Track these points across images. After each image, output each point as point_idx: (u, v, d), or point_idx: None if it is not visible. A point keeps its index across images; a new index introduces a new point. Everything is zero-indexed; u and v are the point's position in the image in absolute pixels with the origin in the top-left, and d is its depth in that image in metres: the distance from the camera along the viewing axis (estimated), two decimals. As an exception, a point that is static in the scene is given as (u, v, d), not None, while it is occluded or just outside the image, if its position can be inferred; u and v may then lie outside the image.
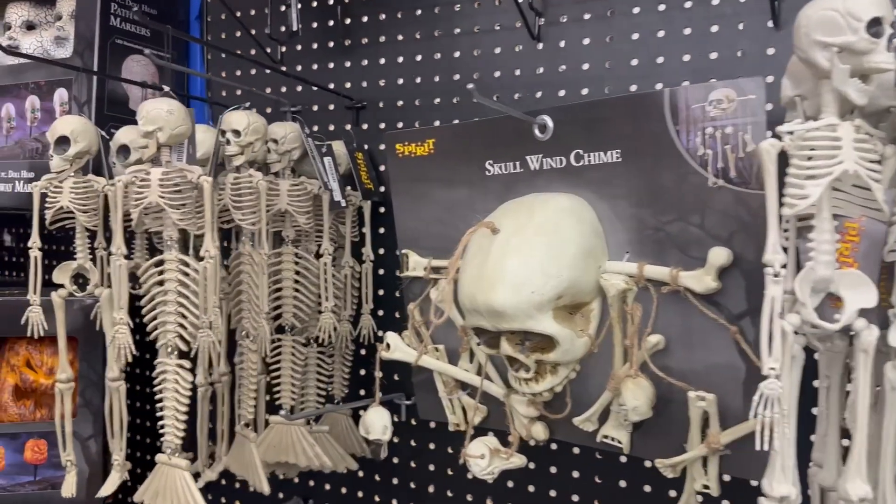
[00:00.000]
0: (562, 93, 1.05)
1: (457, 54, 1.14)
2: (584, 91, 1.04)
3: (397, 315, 1.21)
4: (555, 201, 0.92)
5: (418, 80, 1.17)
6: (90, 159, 1.08)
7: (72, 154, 1.04)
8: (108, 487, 1.10)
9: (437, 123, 1.16)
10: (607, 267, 0.90)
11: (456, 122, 1.14)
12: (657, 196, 0.86)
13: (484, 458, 0.99)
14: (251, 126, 0.96)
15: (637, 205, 0.88)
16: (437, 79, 1.16)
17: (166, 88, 0.89)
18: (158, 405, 0.91)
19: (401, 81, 1.19)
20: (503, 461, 1.00)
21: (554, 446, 1.09)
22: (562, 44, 1.05)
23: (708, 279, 0.82)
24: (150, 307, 0.91)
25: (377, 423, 1.08)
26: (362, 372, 1.25)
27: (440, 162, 1.07)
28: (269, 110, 1.31)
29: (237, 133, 0.96)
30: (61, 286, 1.10)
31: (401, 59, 1.19)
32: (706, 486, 0.86)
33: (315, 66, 1.26)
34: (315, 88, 1.24)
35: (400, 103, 1.19)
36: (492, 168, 1.02)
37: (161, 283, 0.90)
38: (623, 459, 1.04)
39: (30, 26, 1.37)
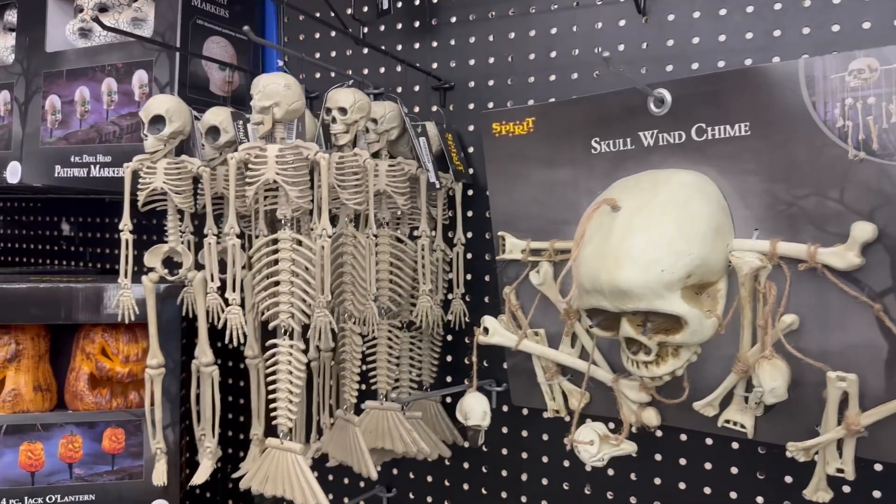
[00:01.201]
0: (669, 68, 1.03)
1: (553, 31, 1.11)
2: (695, 66, 1.01)
3: (486, 300, 1.19)
4: (678, 177, 0.89)
5: (511, 58, 1.15)
6: (183, 140, 1.06)
7: (167, 134, 1.02)
8: (201, 475, 1.09)
9: (530, 102, 1.13)
10: (736, 245, 0.87)
11: (552, 100, 1.11)
12: (791, 170, 0.84)
13: (593, 445, 0.97)
14: (357, 104, 0.94)
15: (768, 180, 0.86)
16: (531, 57, 1.13)
17: (281, 63, 0.87)
18: (270, 387, 0.89)
19: (492, 60, 1.16)
20: (613, 447, 0.97)
21: (659, 433, 1.07)
22: (670, 17, 1.02)
23: (851, 255, 0.79)
24: (261, 287, 0.89)
25: (477, 408, 1.05)
26: (448, 358, 1.23)
27: (540, 141, 1.04)
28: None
29: (343, 111, 0.94)
30: (151, 270, 1.08)
31: (492, 38, 1.16)
32: (840, 470, 0.84)
33: (399, 47, 1.24)
34: (399, 70, 1.21)
35: (491, 83, 1.17)
36: (598, 146, 1.00)
37: (275, 262, 0.88)
38: (735, 446, 1.02)
39: (102, 8, 1.36)
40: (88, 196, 1.46)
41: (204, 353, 1.08)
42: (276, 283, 0.88)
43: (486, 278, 1.19)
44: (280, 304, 0.87)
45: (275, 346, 0.89)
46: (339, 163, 0.94)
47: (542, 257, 1.05)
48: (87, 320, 1.29)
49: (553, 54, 1.11)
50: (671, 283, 0.83)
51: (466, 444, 1.18)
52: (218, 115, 1.11)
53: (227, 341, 0.88)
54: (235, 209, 0.89)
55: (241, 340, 0.89)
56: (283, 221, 0.88)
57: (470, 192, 1.19)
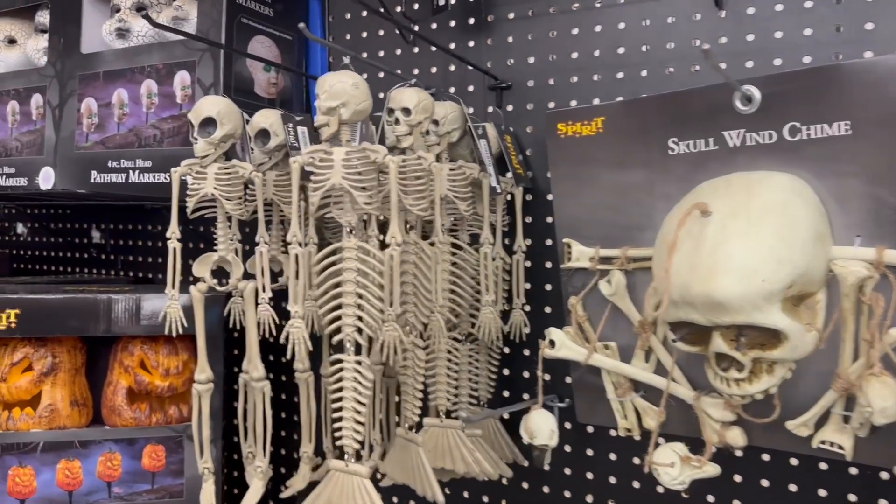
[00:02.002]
0: (749, 64, 0.97)
1: (621, 25, 1.06)
2: (777, 62, 0.96)
3: (548, 310, 1.13)
4: (773, 180, 0.83)
5: (574, 55, 1.10)
6: (234, 143, 1.01)
7: (218, 137, 0.97)
8: (252, 498, 1.04)
9: (596, 101, 1.08)
10: (836, 253, 0.81)
11: (620, 99, 1.06)
12: (898, 172, 0.78)
13: (674, 467, 0.92)
14: (421, 104, 0.89)
15: (871, 182, 0.80)
16: (596, 53, 1.08)
17: (346, 59, 0.82)
18: (335, 405, 0.84)
19: (553, 58, 1.11)
20: (694, 470, 0.92)
21: (738, 452, 1.01)
22: (750, 10, 0.97)
23: (970, 264, 0.73)
24: (325, 299, 0.84)
25: (543, 427, 1.00)
26: (506, 371, 1.18)
27: (610, 142, 0.99)
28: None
29: (407, 111, 0.89)
30: (199, 280, 1.04)
31: (553, 34, 1.11)
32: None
33: (452, 45, 1.19)
34: (452, 69, 1.16)
35: (552, 81, 1.11)
36: (676, 146, 0.94)
37: (339, 272, 0.83)
38: (823, 467, 0.96)
39: (140, 7, 1.32)
40: (119, 202, 1.42)
41: (255, 367, 1.03)
42: (341, 295, 0.83)
43: (547, 287, 1.13)
44: (345, 318, 0.82)
45: (339, 361, 0.84)
46: (401, 167, 0.89)
47: (613, 266, 0.99)
48: (126, 332, 1.25)
49: (621, 50, 1.06)
50: (772, 294, 0.77)
51: (526, 464, 1.12)
52: (268, 118, 1.07)
53: (288, 356, 0.83)
54: (298, 216, 0.83)
55: (305, 356, 0.83)
56: (348, 229, 0.83)
57: (529, 197, 1.14)
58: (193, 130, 0.98)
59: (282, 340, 0.83)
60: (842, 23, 0.92)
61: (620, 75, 1.06)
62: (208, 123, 0.98)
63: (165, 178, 1.22)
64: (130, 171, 1.26)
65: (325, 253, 0.84)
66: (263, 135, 1.07)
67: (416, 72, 1.23)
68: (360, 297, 0.82)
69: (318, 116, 0.81)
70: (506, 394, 1.17)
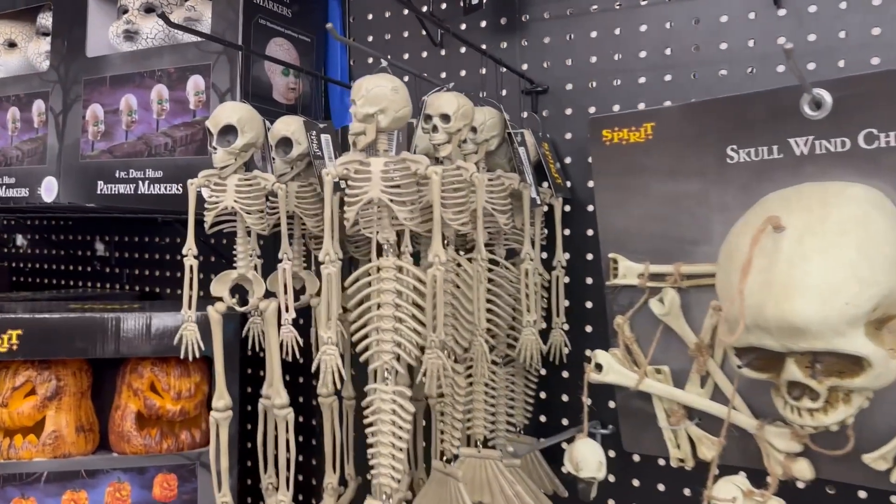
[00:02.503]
0: (811, 66, 0.91)
1: (668, 25, 1.00)
2: (841, 63, 0.90)
3: (588, 329, 1.07)
4: (850, 191, 0.77)
5: (617, 57, 1.04)
6: (255, 153, 0.95)
7: (239, 146, 0.91)
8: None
9: (641, 106, 1.02)
10: (922, 271, 0.75)
11: (668, 103, 1.00)
12: None
13: (736, 502, 0.85)
14: (461, 110, 0.82)
15: (960, 195, 0.74)
16: (642, 55, 1.02)
17: (384, 63, 0.76)
18: (370, 440, 0.78)
19: (594, 60, 1.05)
20: (758, 505, 0.85)
21: (801, 484, 0.94)
22: (812, 8, 0.91)
23: None
24: (359, 323, 0.77)
25: (590, 458, 0.94)
26: (542, 395, 1.11)
27: (661, 149, 0.93)
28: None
29: (446, 118, 0.82)
30: (218, 299, 0.97)
31: (594, 34, 1.05)
32: None
33: (483, 47, 1.13)
34: (483, 72, 1.10)
35: (593, 84, 1.05)
36: (736, 154, 0.88)
37: (376, 293, 0.76)
38: (894, 500, 0.89)
39: (149, 9, 1.26)
40: (128, 215, 1.35)
41: (277, 393, 0.97)
42: (378, 319, 0.76)
43: (588, 305, 1.07)
44: (382, 344, 0.76)
45: (374, 391, 0.77)
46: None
47: (666, 283, 0.93)
48: (136, 353, 1.18)
49: (668, 52, 1.00)
50: (855, 317, 0.71)
51: (567, 494, 1.05)
52: (289, 125, 1.01)
53: (320, 388, 0.76)
54: (331, 233, 0.77)
55: (339, 386, 0.77)
56: (385, 247, 0.76)
57: (567, 208, 1.08)
58: (212, 139, 0.92)
59: (312, 369, 0.77)
60: (915, 21, 0.86)
61: (668, 78, 1.00)
62: (228, 131, 0.92)
63: (178, 190, 1.16)
64: (140, 182, 1.20)
65: (360, 273, 0.77)
66: (285, 143, 1.01)
67: (443, 75, 1.16)
68: (400, 320, 0.75)
69: (352, 124, 0.74)
70: (542, 419, 1.11)
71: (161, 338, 1.18)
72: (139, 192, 1.20)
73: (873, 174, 0.78)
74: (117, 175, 1.22)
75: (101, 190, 1.24)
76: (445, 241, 0.87)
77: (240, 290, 0.98)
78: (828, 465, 0.85)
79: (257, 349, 1.09)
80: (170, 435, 1.22)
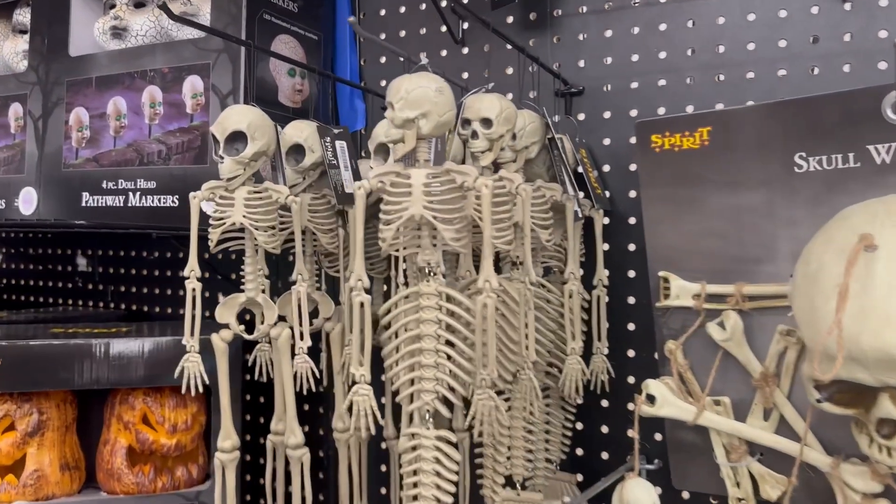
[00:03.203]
0: (882, 65, 0.83)
1: (721, 20, 0.92)
2: (918, 62, 0.82)
3: (630, 354, 0.98)
4: (950, 206, 0.69)
5: (662, 55, 0.95)
6: (266, 163, 0.86)
7: (248, 155, 0.82)
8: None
9: (689, 109, 0.94)
10: None
11: (720, 106, 0.92)
12: None
13: (813, 550, 0.77)
14: (503, 113, 0.74)
15: None
16: (689, 53, 0.94)
17: (424, 60, 0.67)
18: (410, 492, 0.68)
19: (635, 58, 0.97)
20: (834, 552, 0.77)
21: (875, 526, 0.86)
22: (882, 2, 0.83)
23: None
24: (395, 358, 0.68)
25: (644, 500, 0.85)
26: (579, 426, 1.02)
27: (719, 157, 0.85)
28: (443, 100, 1.08)
29: (487, 123, 0.73)
30: (224, 326, 0.88)
31: (636, 30, 0.97)
32: None
33: (508, 46, 1.04)
34: (510, 72, 1.02)
35: (634, 85, 0.97)
36: (805, 163, 0.80)
37: (415, 324, 0.67)
38: None
39: (138, 3, 1.16)
40: (118, 231, 1.25)
41: (292, 431, 0.87)
42: (418, 353, 0.67)
43: (630, 327, 0.98)
44: (423, 382, 0.67)
45: (414, 435, 0.68)
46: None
47: (726, 305, 0.85)
48: (129, 383, 1.08)
49: (720, 49, 0.92)
50: (967, 350, 0.63)
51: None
52: (302, 131, 0.92)
53: (352, 430, 0.67)
54: (362, 255, 0.67)
55: (373, 431, 0.67)
56: (426, 270, 0.67)
57: (605, 221, 0.99)
58: (218, 147, 0.82)
59: (343, 408, 0.67)
60: None
61: (721, 78, 0.92)
62: (236, 138, 0.82)
63: (174, 202, 1.06)
64: (130, 194, 1.10)
65: (396, 300, 0.68)
66: (297, 151, 0.92)
67: (465, 76, 1.08)
68: (447, 356, 0.66)
69: (389, 130, 0.65)
70: (579, 451, 1.02)
71: (155, 365, 1.08)
72: (129, 205, 1.10)
73: (970, 185, 0.71)
74: (104, 186, 1.12)
75: (85, 202, 1.14)
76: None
77: (241, 314, 0.89)
78: (913, 508, 0.77)
79: (264, 379, 0.99)
80: (164, 471, 1.12)
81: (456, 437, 0.85)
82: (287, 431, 0.88)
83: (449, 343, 0.67)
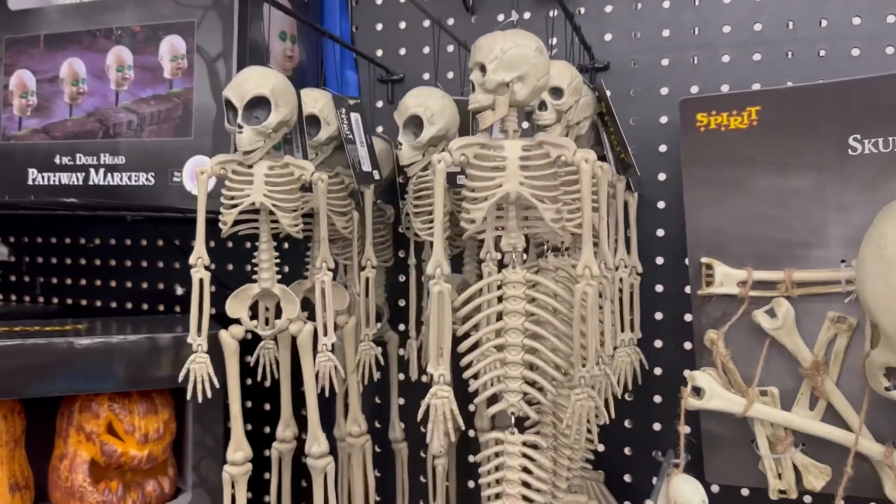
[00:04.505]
0: (934, 47, 0.83)
1: (759, -3, 0.89)
2: (964, 45, 0.82)
3: (658, 345, 0.95)
4: None
5: (696, 30, 0.92)
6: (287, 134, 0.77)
7: (273, 124, 0.72)
8: None
9: (724, 89, 0.91)
10: None
11: (756, 86, 0.90)
12: None
13: (870, 541, 0.76)
14: (574, 82, 0.68)
15: None
16: (726, 29, 0.91)
17: (515, 17, 0.60)
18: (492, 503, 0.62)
19: (666, 33, 0.93)
20: (889, 542, 0.77)
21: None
22: (933, -20, 0.83)
23: None
24: (477, 353, 0.61)
25: (693, 498, 0.82)
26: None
27: (768, 138, 0.83)
28: (450, 75, 1.02)
29: (558, 92, 0.68)
30: (236, 321, 0.78)
31: (667, 4, 0.93)
32: None
33: (527, 15, 0.98)
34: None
35: (665, 62, 0.93)
36: (859, 146, 0.79)
37: (496, 316, 0.60)
38: None
39: (96, -50, 1.02)
40: (83, 213, 1.11)
41: (315, 438, 0.79)
42: (502, 348, 0.61)
43: (658, 316, 0.95)
44: (509, 381, 0.60)
45: (497, 442, 0.62)
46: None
47: (774, 292, 0.83)
48: (94, 388, 0.95)
49: (758, 27, 0.89)
50: None
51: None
52: (317, 101, 0.83)
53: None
54: (442, 238, 0.60)
55: (453, 438, 0.60)
56: (511, 256, 0.61)
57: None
58: (235, 114, 0.72)
59: (419, 417, 0.59)
60: None
61: (757, 57, 0.90)
62: (257, 105, 0.73)
63: (148, 180, 0.94)
64: (92, 170, 0.96)
65: (476, 289, 0.61)
66: (312, 123, 0.83)
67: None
68: (534, 351, 0.60)
69: (476, 95, 0.58)
70: (601, 448, 0.98)
71: (124, 367, 0.96)
72: (90, 183, 0.97)
73: None
74: (58, 161, 0.98)
75: (33, 179, 1.00)
76: (546, 247, 0.72)
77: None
78: (964, 495, 0.77)
79: (268, 380, 0.90)
80: (134, 487, 1.00)
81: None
82: (309, 439, 0.79)
83: (538, 337, 0.60)
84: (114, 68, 0.96)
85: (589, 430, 0.60)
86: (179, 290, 1.21)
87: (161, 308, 1.23)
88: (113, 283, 1.28)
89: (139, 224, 1.11)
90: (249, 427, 1.13)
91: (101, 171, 0.96)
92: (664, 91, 0.93)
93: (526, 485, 0.60)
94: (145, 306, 1.25)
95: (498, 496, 0.61)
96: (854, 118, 0.79)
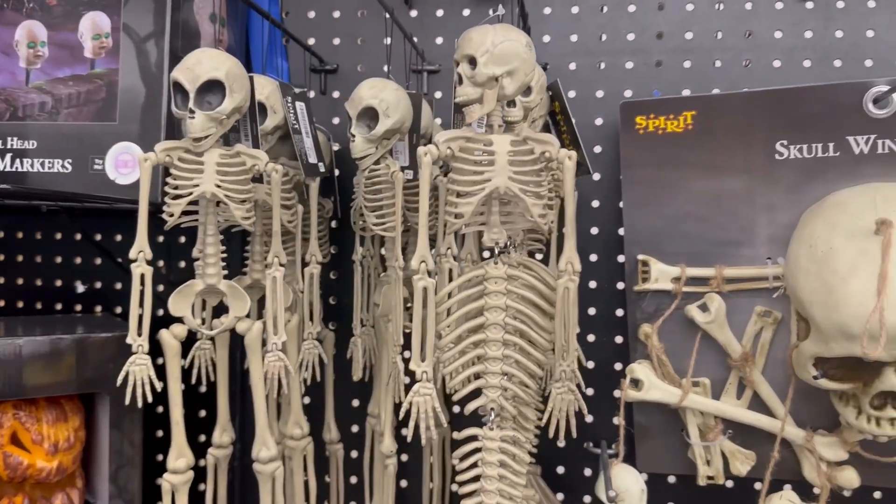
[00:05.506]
0: (837, 63, 0.91)
1: (690, 7, 0.94)
2: (868, 63, 0.90)
3: (591, 339, 0.98)
4: (939, 194, 0.76)
5: (630, 36, 0.95)
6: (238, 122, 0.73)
7: (227, 110, 0.68)
8: None
9: (656, 94, 0.95)
10: None
11: (686, 92, 0.94)
12: None
13: (799, 523, 0.82)
14: (540, 81, 0.69)
15: None
16: (659, 37, 0.95)
17: (501, 10, 0.59)
18: (468, 502, 0.61)
19: (604, 38, 0.96)
20: (812, 520, 0.83)
21: (846, 492, 0.93)
22: (840, 4, 0.90)
23: None
24: (458, 349, 0.60)
25: (633, 486, 0.85)
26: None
27: (702, 141, 0.87)
28: (386, 67, 1.00)
29: (527, 90, 0.68)
30: (178, 320, 0.73)
31: (605, 9, 0.96)
32: None
33: (466, 13, 0.98)
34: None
35: (602, 66, 0.96)
36: (786, 150, 0.85)
37: (476, 311, 0.60)
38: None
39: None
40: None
41: (264, 443, 0.75)
42: (482, 343, 0.60)
43: (591, 312, 0.98)
44: (489, 377, 0.60)
45: (474, 438, 0.61)
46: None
47: (706, 288, 0.87)
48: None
49: (689, 35, 0.94)
50: (969, 324, 0.70)
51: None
52: (263, 88, 0.79)
53: (409, 437, 0.58)
54: (426, 232, 0.59)
55: (434, 435, 0.59)
56: (495, 251, 0.60)
57: (566, 203, 0.97)
58: (186, 99, 0.68)
59: (401, 415, 0.58)
60: (937, 25, 0.89)
61: (687, 64, 0.94)
62: (210, 89, 0.68)
63: (64, 167, 0.86)
64: (-6, 156, 0.87)
65: (459, 283, 0.60)
66: (258, 110, 0.79)
67: (415, 40, 1.00)
68: (515, 346, 0.60)
69: (465, 88, 0.57)
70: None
71: (30, 371, 0.88)
72: (-6, 170, 0.88)
73: (942, 177, 0.79)
74: (-48, 144, 0.88)
75: (-79, 164, 0.89)
76: (511, 242, 0.72)
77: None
78: (875, 472, 0.84)
79: (204, 382, 0.85)
80: (40, 501, 0.91)
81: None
82: (257, 443, 0.75)
83: (518, 332, 0.60)
84: (24, 44, 0.88)
85: (568, 423, 0.61)
86: (80, 288, 1.12)
87: (59, 307, 1.13)
88: (20, 281, 1.16)
89: (54, 215, 1.01)
90: (160, 433, 1.06)
91: (9, 156, 0.87)
92: (600, 94, 0.96)
93: (503, 479, 0.60)
94: (39, 305, 1.15)
95: (475, 494, 0.60)
96: (781, 125, 0.84)
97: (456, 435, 0.63)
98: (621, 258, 0.96)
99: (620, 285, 0.97)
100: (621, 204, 0.91)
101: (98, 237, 1.02)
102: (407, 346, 0.66)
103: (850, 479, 0.84)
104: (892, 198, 0.76)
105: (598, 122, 0.96)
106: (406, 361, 0.68)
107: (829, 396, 0.81)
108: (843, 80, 0.89)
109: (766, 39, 0.92)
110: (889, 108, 0.79)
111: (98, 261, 1.04)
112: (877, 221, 0.72)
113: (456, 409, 0.92)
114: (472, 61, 0.56)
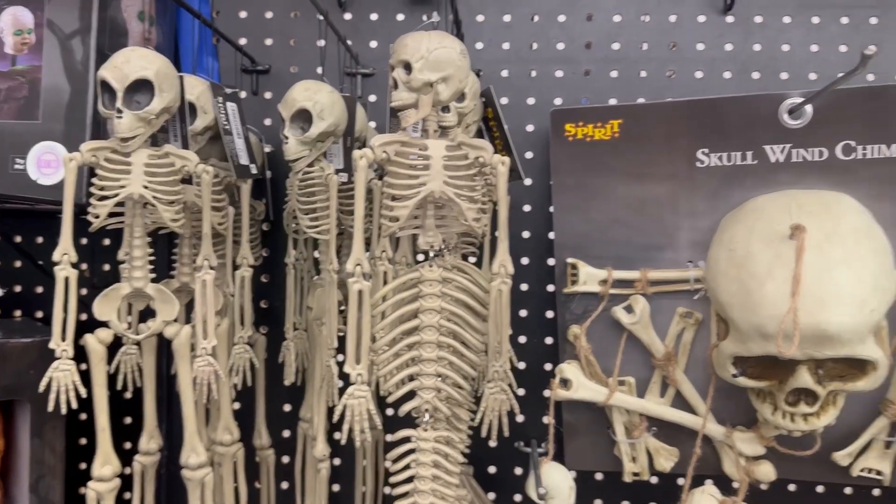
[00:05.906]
0: (755, 75, 0.95)
1: (617, 18, 0.97)
2: (784, 76, 0.95)
3: (522, 340, 1.00)
4: (847, 201, 0.81)
5: (560, 46, 0.98)
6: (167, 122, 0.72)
7: (156, 110, 0.67)
8: None
9: (582, 101, 0.97)
10: (898, 278, 0.81)
11: (613, 101, 0.97)
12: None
13: (721, 517, 0.85)
14: (474, 87, 0.70)
15: (933, 207, 0.82)
16: (588, 47, 0.97)
17: (436, 17, 0.60)
18: (402, 503, 0.61)
19: (535, 46, 0.98)
20: (735, 513, 0.86)
21: (763, 486, 0.97)
22: (757, 19, 0.94)
23: None
24: (392, 352, 0.61)
25: (562, 483, 0.87)
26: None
27: (628, 149, 0.90)
28: (319, 69, 1.00)
29: (461, 96, 0.69)
30: (102, 325, 0.71)
31: (536, 18, 0.98)
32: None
33: (400, 17, 0.99)
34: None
35: (533, 74, 0.98)
36: (707, 158, 0.88)
37: (410, 314, 0.61)
38: (847, 491, 0.97)
39: None
40: None
41: (193, 449, 0.74)
42: (417, 346, 0.61)
43: (522, 314, 1.00)
44: (423, 378, 0.61)
45: (408, 440, 0.62)
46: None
47: (632, 290, 0.90)
48: None
49: (616, 46, 0.97)
50: (875, 324, 0.75)
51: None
52: (193, 88, 0.79)
53: (344, 440, 0.58)
54: (361, 234, 0.59)
55: (368, 437, 0.59)
56: (430, 254, 0.61)
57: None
58: (114, 98, 0.66)
59: (335, 418, 0.58)
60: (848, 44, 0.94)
61: (614, 73, 0.97)
62: (139, 88, 0.67)
63: (-19, 167, 0.83)
64: None
65: (394, 286, 0.61)
66: (189, 111, 0.78)
67: (349, 43, 1.00)
68: (449, 348, 0.61)
69: (400, 93, 0.57)
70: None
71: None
72: None
73: (850, 184, 0.83)
74: None
75: None
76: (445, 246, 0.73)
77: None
78: (788, 466, 0.88)
79: (130, 388, 0.83)
80: (-45, 516, 0.87)
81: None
82: (186, 449, 0.74)
83: (452, 334, 0.61)
84: (-64, 37, 0.84)
85: (500, 422, 0.62)
86: (-1, 292, 1.07)
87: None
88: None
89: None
90: (83, 440, 1.03)
91: (-83, 155, 0.83)
92: (531, 101, 0.98)
93: (436, 479, 0.61)
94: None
95: (409, 494, 0.61)
96: (702, 134, 0.87)
97: (389, 437, 0.63)
98: (551, 261, 0.98)
99: (550, 288, 0.99)
100: (552, 209, 0.92)
101: (18, 239, 0.98)
102: (341, 349, 0.67)
103: (766, 472, 0.88)
104: (806, 204, 0.81)
105: (530, 128, 0.98)
106: (340, 365, 0.68)
107: (748, 394, 0.85)
108: (760, 91, 0.94)
109: (689, 51, 0.96)
110: (803, 119, 0.84)
111: (18, 264, 1.00)
112: (791, 227, 0.76)
113: (390, 411, 0.92)
114: (408, 67, 0.57)
